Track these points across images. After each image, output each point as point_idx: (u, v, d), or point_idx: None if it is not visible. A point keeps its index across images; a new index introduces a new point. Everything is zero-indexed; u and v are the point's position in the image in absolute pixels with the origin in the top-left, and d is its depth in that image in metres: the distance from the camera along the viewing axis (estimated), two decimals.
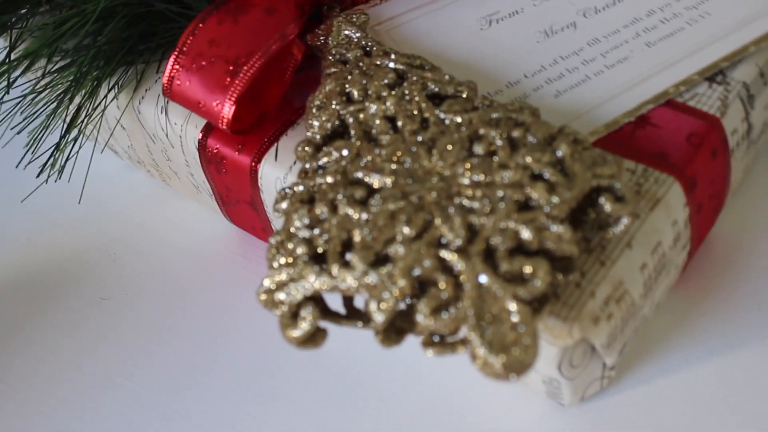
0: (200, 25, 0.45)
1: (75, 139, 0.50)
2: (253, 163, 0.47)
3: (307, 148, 0.42)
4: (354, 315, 0.38)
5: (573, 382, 0.41)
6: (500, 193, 0.37)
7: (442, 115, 0.41)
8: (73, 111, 0.51)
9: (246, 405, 0.46)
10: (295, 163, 0.45)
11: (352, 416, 0.45)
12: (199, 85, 0.45)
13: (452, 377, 0.45)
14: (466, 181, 0.38)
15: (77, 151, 0.51)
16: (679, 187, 0.42)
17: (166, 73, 0.46)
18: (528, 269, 0.35)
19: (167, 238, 0.55)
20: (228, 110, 0.44)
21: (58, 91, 0.50)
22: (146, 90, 0.51)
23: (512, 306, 0.34)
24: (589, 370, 0.42)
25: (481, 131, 0.40)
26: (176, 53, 0.45)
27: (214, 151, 0.48)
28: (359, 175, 0.39)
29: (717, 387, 0.43)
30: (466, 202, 0.37)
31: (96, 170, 0.58)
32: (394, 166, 0.39)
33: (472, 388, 0.45)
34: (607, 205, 0.37)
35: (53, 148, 0.50)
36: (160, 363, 0.49)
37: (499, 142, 0.39)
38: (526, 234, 0.36)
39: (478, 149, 0.39)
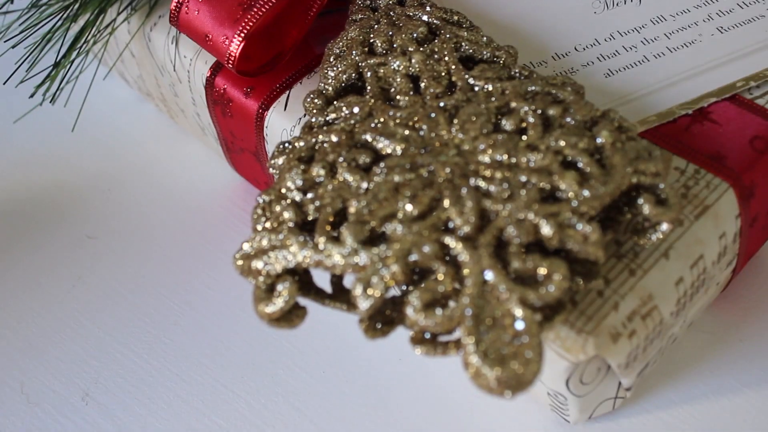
0: None
1: (72, 62, 0.46)
2: (261, 110, 0.42)
3: (316, 100, 0.37)
4: (340, 295, 0.33)
5: (581, 399, 0.36)
6: (523, 178, 0.32)
7: (471, 81, 0.36)
8: (77, 30, 0.46)
9: (219, 373, 0.42)
10: (305, 115, 0.40)
11: (347, 415, 0.41)
12: (208, 15, 0.40)
13: (447, 374, 0.41)
14: (486, 159, 0.33)
15: (77, 76, 0.47)
16: (733, 195, 0.36)
17: None
18: (543, 270, 0.30)
19: (167, 181, 0.50)
20: (236, 47, 0.39)
21: (62, 5, 0.45)
22: (159, 17, 0.46)
23: (518, 311, 0.29)
24: (601, 388, 0.37)
25: (513, 104, 0.34)
26: None
27: (221, 91, 0.43)
28: (367, 137, 0.34)
29: (746, 425, 0.38)
30: (482, 183, 0.32)
31: (103, 98, 0.54)
32: (407, 132, 0.34)
33: (468, 390, 0.40)
34: (646, 207, 0.32)
35: (51, 68, 0.46)
36: (132, 314, 0.45)
37: (531, 119, 0.34)
38: (546, 229, 0.31)
39: (507, 124, 0.34)
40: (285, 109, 0.41)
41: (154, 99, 0.52)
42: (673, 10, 0.42)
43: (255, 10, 0.39)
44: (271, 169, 0.36)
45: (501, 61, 0.37)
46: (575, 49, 0.42)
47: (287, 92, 0.42)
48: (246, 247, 0.33)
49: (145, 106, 0.55)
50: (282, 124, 0.41)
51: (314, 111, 0.37)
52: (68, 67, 0.46)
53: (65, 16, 0.46)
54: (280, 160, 0.35)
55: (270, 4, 0.39)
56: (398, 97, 0.36)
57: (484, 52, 0.38)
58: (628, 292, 0.34)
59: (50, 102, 0.46)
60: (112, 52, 0.51)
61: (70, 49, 0.46)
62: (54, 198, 0.50)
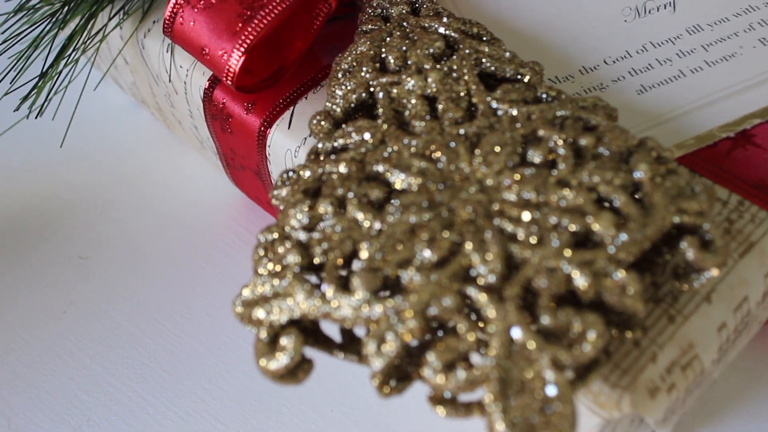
0: None
1: (60, 72, 0.43)
2: (263, 127, 0.39)
3: (323, 123, 0.34)
4: (351, 345, 0.30)
5: None
6: (554, 220, 0.29)
7: (494, 104, 0.33)
8: (65, 37, 0.43)
9: (219, 410, 0.39)
10: (311, 134, 0.37)
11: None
12: (205, 27, 0.37)
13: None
14: (512, 197, 0.30)
15: (66, 86, 0.44)
16: None
17: (169, 7, 0.37)
18: (577, 327, 0.27)
19: (164, 195, 0.47)
20: (235, 62, 0.36)
21: (48, 10, 0.42)
22: (154, 22, 0.43)
23: (549, 374, 0.26)
24: None
25: (541, 132, 0.31)
26: None
27: (220, 105, 0.40)
28: (379, 168, 0.31)
29: None
30: (508, 225, 0.29)
31: (96, 104, 0.51)
32: (424, 164, 0.31)
33: None
34: (689, 252, 0.29)
35: (37, 78, 0.43)
36: (126, 342, 0.42)
37: (561, 151, 0.31)
38: (580, 280, 0.27)
39: (534, 156, 0.31)
40: (289, 127, 0.38)
41: (149, 107, 0.49)
42: (710, 19, 0.39)
43: (256, 21, 0.36)
44: (274, 200, 0.33)
45: (525, 79, 0.34)
46: (605, 62, 0.38)
47: (291, 108, 0.39)
48: (246, 293, 0.30)
49: (140, 113, 0.51)
50: (286, 143, 0.38)
51: (321, 134, 0.34)
52: (56, 77, 0.43)
53: (52, 22, 0.42)
54: (284, 192, 0.32)
55: (273, 15, 0.36)
56: (413, 121, 0.33)
57: (507, 70, 0.34)
58: (668, 341, 0.31)
59: (36, 116, 0.42)
60: (105, 56, 0.48)
61: (57, 57, 0.43)
62: (43, 215, 0.47)
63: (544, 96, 0.33)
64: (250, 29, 0.36)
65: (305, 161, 0.33)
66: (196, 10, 0.37)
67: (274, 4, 0.36)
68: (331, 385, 0.39)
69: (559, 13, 0.40)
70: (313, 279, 0.30)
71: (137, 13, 0.44)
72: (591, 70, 0.38)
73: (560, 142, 0.31)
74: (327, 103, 0.35)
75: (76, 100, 0.47)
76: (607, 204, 0.29)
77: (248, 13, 0.36)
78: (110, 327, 0.43)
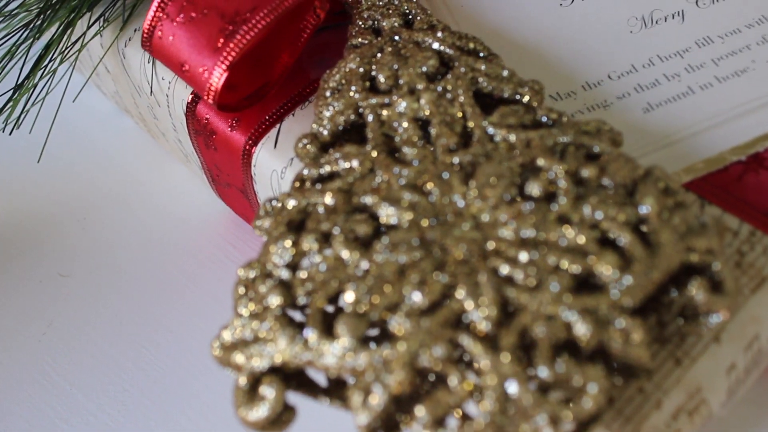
0: None
1: (36, 84, 0.40)
2: (248, 145, 0.37)
3: (309, 146, 0.32)
4: (337, 390, 0.28)
5: None
6: (553, 261, 0.27)
7: (490, 129, 0.31)
8: (42, 47, 0.41)
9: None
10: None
11: None
12: (185, 42, 0.35)
13: None
14: (509, 234, 0.28)
15: (43, 98, 0.42)
16: None
17: (147, 19, 0.35)
18: (577, 380, 0.25)
19: (148, 209, 0.45)
20: (217, 79, 0.34)
21: (23, 20, 0.40)
22: (135, 30, 0.41)
23: (547, 431, 0.24)
24: None
25: (540, 162, 0.29)
26: None
27: (204, 121, 0.38)
28: (367, 200, 0.29)
29: None
30: (504, 267, 0.27)
31: (77, 111, 0.48)
32: (415, 198, 0.29)
33: None
34: (699, 294, 0.27)
35: (12, 91, 0.41)
36: (108, 367, 0.40)
37: (562, 183, 0.29)
38: (581, 329, 0.26)
39: (533, 189, 0.29)
40: (275, 146, 0.36)
41: (133, 116, 0.47)
42: (721, 31, 0.37)
43: (239, 37, 0.34)
44: (257, 231, 0.31)
45: (524, 99, 0.32)
46: (609, 77, 0.36)
47: (278, 126, 0.37)
48: (226, 335, 0.28)
49: (124, 120, 0.49)
50: (272, 164, 0.36)
51: (307, 158, 0.32)
52: (32, 89, 0.41)
53: (28, 30, 0.40)
54: (267, 223, 0.30)
55: (256, 30, 0.34)
56: (404, 148, 0.31)
57: (505, 89, 0.32)
58: (674, 386, 0.29)
59: (11, 131, 0.40)
60: (86, 62, 0.46)
61: (34, 68, 0.41)
62: (22, 229, 0.45)
63: (545, 119, 0.31)
64: (232, 45, 0.34)
65: (290, 189, 0.31)
66: (175, 23, 0.35)
67: (258, 18, 0.34)
68: (325, 413, 0.38)
69: (561, 23, 0.38)
70: (297, 315, 0.28)
71: (117, 21, 0.41)
72: (594, 85, 0.36)
73: (561, 174, 0.29)
74: (314, 125, 0.33)
75: (55, 109, 0.45)
76: (610, 238, 0.28)
77: (230, 27, 0.34)
78: (91, 350, 0.41)
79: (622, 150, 0.30)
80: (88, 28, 0.41)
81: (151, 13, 0.35)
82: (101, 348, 0.41)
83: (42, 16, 0.40)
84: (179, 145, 0.43)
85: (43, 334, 0.42)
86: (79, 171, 0.47)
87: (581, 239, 0.27)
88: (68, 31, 0.41)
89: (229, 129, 0.37)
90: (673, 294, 0.28)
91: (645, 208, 0.28)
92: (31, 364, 0.41)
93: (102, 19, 0.42)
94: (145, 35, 0.36)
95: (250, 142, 0.37)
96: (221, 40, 0.34)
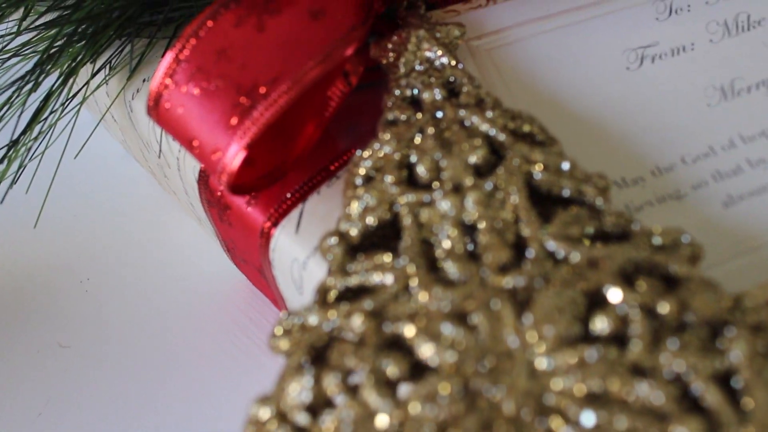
0: (209, 22, 0.30)
1: (35, 138, 0.36)
2: (267, 226, 0.33)
3: (336, 249, 0.28)
4: None
5: None
6: (623, 425, 0.22)
7: (551, 245, 0.26)
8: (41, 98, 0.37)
9: None
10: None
11: None
12: (195, 115, 0.30)
13: None
14: (570, 386, 0.23)
15: (43, 152, 0.37)
16: None
17: (155, 83, 0.31)
18: None
19: (157, 273, 0.41)
20: (231, 162, 0.29)
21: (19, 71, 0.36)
22: (144, 81, 0.37)
23: None
24: None
25: (609, 293, 0.25)
26: (172, 56, 0.30)
27: (218, 194, 0.34)
28: (402, 330, 0.25)
29: None
30: (563, 430, 0.22)
31: (82, 152, 0.44)
32: (459, 334, 0.24)
33: None
34: None
35: (7, 148, 0.37)
36: None
37: (635, 321, 0.24)
38: None
39: (600, 325, 0.24)
40: (297, 230, 0.32)
41: (143, 166, 0.42)
42: None
43: (256, 115, 0.29)
44: (272, 350, 0.27)
45: (588, 201, 0.27)
46: (682, 160, 0.31)
47: (301, 206, 0.32)
48: None
49: (133, 166, 0.45)
50: (293, 251, 0.32)
51: (333, 260, 0.28)
52: (29, 145, 0.37)
53: (25, 81, 0.36)
54: (285, 344, 0.26)
55: (277, 106, 0.29)
56: (447, 262, 0.26)
57: (566, 186, 0.28)
58: None
59: (6, 191, 0.36)
60: (92, 104, 0.42)
61: (31, 122, 0.36)
62: (18, 293, 0.41)
63: (613, 228, 0.27)
64: (248, 123, 0.29)
65: (312, 301, 0.27)
66: (185, 92, 0.30)
67: (280, 92, 0.29)
68: None
69: (627, 91, 0.33)
70: None
71: (125, 70, 0.37)
72: (666, 171, 0.31)
73: (634, 308, 0.24)
74: (342, 223, 0.28)
75: (57, 159, 0.40)
76: (692, 394, 0.23)
77: (247, 102, 0.29)
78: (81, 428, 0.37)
79: (703, 273, 0.26)
80: (92, 77, 0.37)
81: (158, 78, 0.31)
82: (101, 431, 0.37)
83: (41, 67, 0.36)
84: (192, 209, 0.38)
85: (39, 415, 0.38)
86: (81, 226, 0.43)
87: (660, 398, 0.23)
88: (70, 81, 0.37)
89: (246, 205, 0.33)
90: None
91: (734, 356, 0.23)
92: None
93: (108, 65, 0.37)
94: (150, 103, 0.31)
95: (269, 223, 0.32)
96: (236, 119, 0.29)
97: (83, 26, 0.36)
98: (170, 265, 0.41)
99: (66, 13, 0.37)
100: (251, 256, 0.35)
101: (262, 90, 0.29)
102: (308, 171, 0.33)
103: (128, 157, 0.45)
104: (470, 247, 0.27)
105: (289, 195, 0.32)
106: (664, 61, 0.34)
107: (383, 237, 0.28)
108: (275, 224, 0.32)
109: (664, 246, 0.26)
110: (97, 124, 0.40)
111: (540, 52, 0.34)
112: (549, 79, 0.34)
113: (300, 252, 0.31)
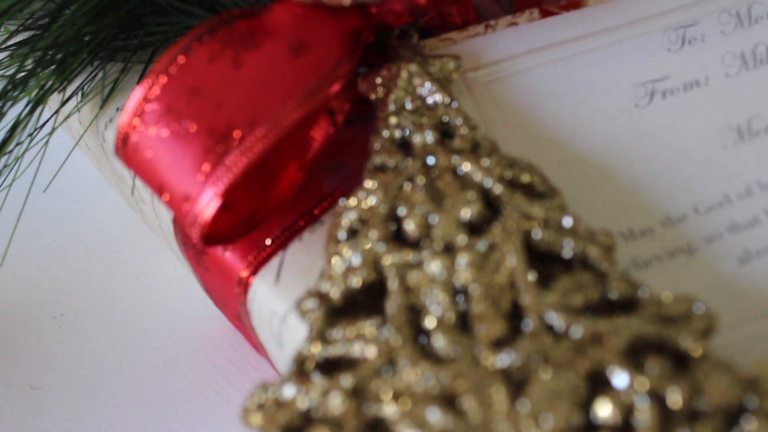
0: (180, 58, 0.28)
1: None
2: (245, 274, 0.30)
3: (316, 312, 0.25)
4: None
5: None
6: None
7: (552, 318, 0.23)
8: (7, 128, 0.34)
9: None
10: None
11: None
12: (165, 160, 0.28)
13: None
14: None
15: (9, 185, 0.35)
16: None
17: (122, 122, 0.28)
18: None
19: (134, 308, 0.39)
20: (203, 212, 0.27)
21: None
22: (117, 109, 0.34)
23: None
24: None
25: (613, 374, 0.22)
26: (141, 94, 0.28)
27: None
28: (384, 413, 0.23)
29: None
30: None
31: (58, 175, 0.41)
32: (448, 422, 0.22)
33: None
34: None
35: None
36: None
37: (642, 410, 0.22)
38: None
39: (603, 413, 0.22)
40: (277, 280, 0.30)
41: (119, 194, 0.40)
42: None
43: (228, 163, 0.27)
44: (245, 425, 0.24)
45: (591, 263, 0.25)
46: (695, 210, 0.29)
47: (281, 254, 0.30)
48: None
49: (110, 192, 0.43)
50: (272, 304, 0.29)
51: (313, 324, 0.25)
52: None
53: None
54: (258, 420, 0.24)
55: (253, 153, 0.27)
56: (435, 336, 0.24)
57: (567, 245, 0.25)
58: None
59: None
60: (67, 128, 0.39)
61: None
62: None
63: (616, 295, 0.24)
64: (222, 170, 0.27)
65: (290, 371, 0.24)
66: (153, 134, 0.28)
67: (256, 137, 0.27)
68: None
69: (635, 131, 0.30)
70: None
71: (98, 98, 0.35)
72: (677, 221, 0.29)
73: (641, 394, 0.22)
74: (323, 283, 0.26)
75: (28, 184, 0.38)
76: None
77: (220, 148, 0.27)
78: None
79: (716, 349, 0.23)
80: (62, 105, 0.35)
81: (125, 117, 0.28)
82: None
83: (7, 95, 0.33)
84: (169, 246, 0.36)
85: None
86: (56, 256, 0.41)
87: None
88: (38, 110, 0.34)
89: (223, 251, 0.31)
90: None
91: None
92: None
93: (80, 92, 0.35)
94: (118, 143, 0.29)
95: (248, 271, 0.30)
96: (208, 166, 0.27)
97: (51, 52, 0.33)
98: (149, 301, 0.39)
99: (36, 34, 0.35)
100: (229, 303, 0.32)
101: (237, 134, 0.27)
102: (290, 215, 0.30)
103: (105, 183, 0.43)
104: (462, 307, 0.24)
105: (269, 242, 0.30)
106: (676, 97, 0.31)
107: (368, 296, 0.26)
108: (254, 272, 0.30)
109: (674, 318, 0.24)
110: (71, 151, 0.37)
111: (541, 85, 0.32)
112: (551, 116, 0.31)
113: (279, 305, 0.29)
